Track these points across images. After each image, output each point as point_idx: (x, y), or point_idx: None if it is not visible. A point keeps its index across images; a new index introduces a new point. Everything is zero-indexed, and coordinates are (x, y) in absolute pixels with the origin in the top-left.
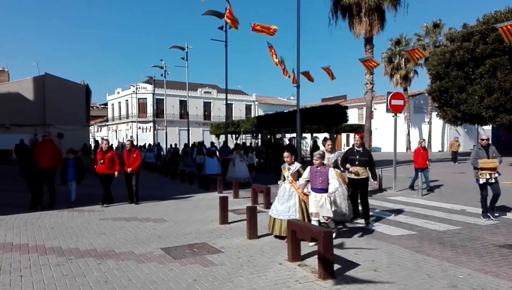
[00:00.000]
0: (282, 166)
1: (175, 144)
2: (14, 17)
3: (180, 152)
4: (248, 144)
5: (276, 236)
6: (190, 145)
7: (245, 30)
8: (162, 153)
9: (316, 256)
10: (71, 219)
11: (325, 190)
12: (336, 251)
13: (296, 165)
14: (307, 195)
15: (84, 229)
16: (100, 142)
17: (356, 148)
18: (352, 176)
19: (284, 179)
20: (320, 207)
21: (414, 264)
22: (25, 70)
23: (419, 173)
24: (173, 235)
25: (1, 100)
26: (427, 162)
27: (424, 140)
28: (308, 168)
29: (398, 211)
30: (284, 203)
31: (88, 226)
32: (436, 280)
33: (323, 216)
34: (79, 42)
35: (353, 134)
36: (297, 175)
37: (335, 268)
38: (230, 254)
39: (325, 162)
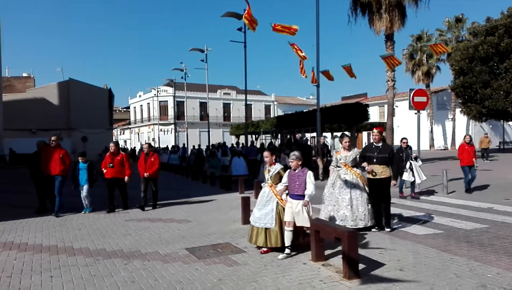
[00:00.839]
0: (263, 167)
1: (199, 145)
2: (39, 25)
3: (203, 153)
4: (273, 144)
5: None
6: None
7: (264, 30)
8: (186, 154)
9: (340, 256)
10: (97, 220)
11: (303, 196)
12: (361, 251)
13: (277, 167)
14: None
15: (110, 230)
16: (122, 144)
17: (375, 143)
18: (370, 176)
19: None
20: (296, 215)
21: (441, 264)
22: (50, 76)
23: (467, 171)
24: (196, 235)
25: (27, 105)
26: (474, 159)
27: (469, 135)
28: (288, 171)
29: (423, 210)
30: (262, 209)
31: (114, 227)
32: (464, 280)
33: (301, 226)
34: (102, 48)
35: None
36: (278, 177)
37: (360, 268)
38: (254, 254)
39: (342, 161)
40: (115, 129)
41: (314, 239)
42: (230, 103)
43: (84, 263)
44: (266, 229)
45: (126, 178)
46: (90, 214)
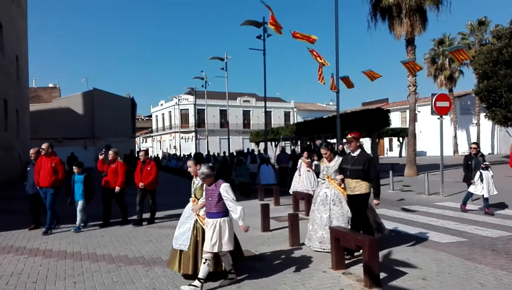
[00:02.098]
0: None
1: (224, 153)
2: (65, 38)
3: (228, 160)
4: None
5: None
6: (243, 152)
7: (283, 38)
8: (212, 162)
9: (361, 264)
10: (119, 227)
11: (220, 215)
12: (382, 259)
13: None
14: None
15: (132, 237)
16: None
17: (351, 153)
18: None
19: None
20: (211, 238)
21: (465, 273)
22: (75, 86)
23: None
24: None
25: (53, 115)
26: None
27: None
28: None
29: (447, 217)
30: (180, 227)
31: (136, 234)
32: (490, 289)
33: (218, 252)
34: (125, 58)
35: (397, 138)
36: (202, 191)
37: (381, 277)
38: (273, 262)
39: (325, 172)
40: (138, 137)
41: (334, 247)
42: (249, 111)
43: (107, 270)
44: (181, 251)
45: (116, 188)
46: (112, 221)
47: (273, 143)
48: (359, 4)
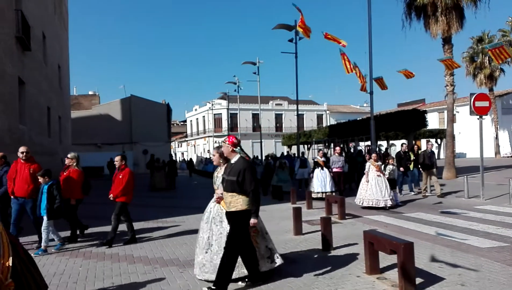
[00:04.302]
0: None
1: (266, 156)
2: (104, 47)
3: (271, 164)
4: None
5: None
6: (290, 156)
7: (315, 40)
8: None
9: (395, 269)
10: (156, 231)
11: None
12: (418, 264)
13: None
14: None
15: (167, 239)
16: (176, 156)
17: (231, 160)
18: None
19: None
20: None
21: (506, 279)
22: (113, 93)
23: None
24: None
25: (93, 121)
26: None
27: None
28: None
29: (487, 221)
30: None
31: (171, 237)
32: None
33: None
34: (160, 65)
35: (434, 139)
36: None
37: (417, 282)
38: (306, 266)
39: (214, 181)
40: (173, 142)
41: (368, 251)
42: (282, 114)
43: (143, 271)
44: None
45: (71, 200)
46: (149, 223)
47: (306, 146)
48: (393, 3)
